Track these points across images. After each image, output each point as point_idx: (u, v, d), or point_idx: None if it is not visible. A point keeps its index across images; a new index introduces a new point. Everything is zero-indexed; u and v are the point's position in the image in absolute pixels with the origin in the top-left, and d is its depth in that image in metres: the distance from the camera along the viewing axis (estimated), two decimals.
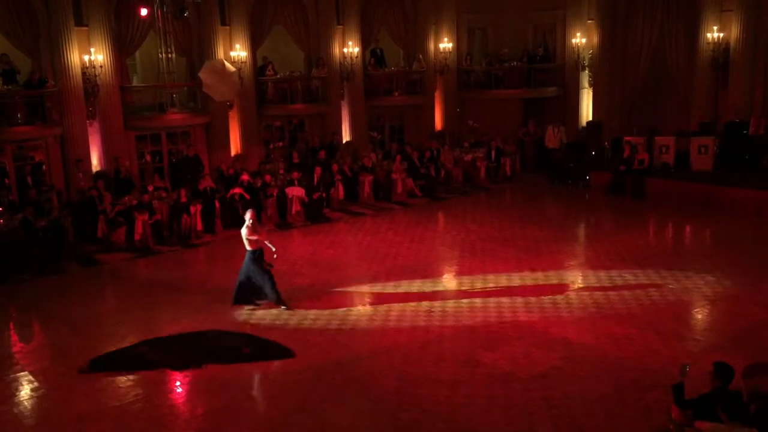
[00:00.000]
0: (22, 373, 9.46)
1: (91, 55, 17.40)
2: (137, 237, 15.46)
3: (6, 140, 16.59)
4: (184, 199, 16.12)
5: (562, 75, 24.09)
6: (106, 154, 17.98)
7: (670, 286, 11.91)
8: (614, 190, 19.31)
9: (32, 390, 9.00)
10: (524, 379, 8.70)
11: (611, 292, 11.72)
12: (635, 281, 12.24)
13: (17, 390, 9.02)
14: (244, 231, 11.25)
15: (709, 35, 20.96)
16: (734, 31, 20.75)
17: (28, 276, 13.75)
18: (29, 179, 16.76)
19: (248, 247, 11.28)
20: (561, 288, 12.06)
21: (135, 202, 15.81)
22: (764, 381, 6.48)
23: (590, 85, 23.95)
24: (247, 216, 11.31)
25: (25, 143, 17.26)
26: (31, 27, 16.96)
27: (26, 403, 8.70)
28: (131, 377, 9.16)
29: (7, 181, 16.72)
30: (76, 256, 14.99)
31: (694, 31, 21.42)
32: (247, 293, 11.54)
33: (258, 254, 11.31)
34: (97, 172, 17.64)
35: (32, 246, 14.17)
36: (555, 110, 23.91)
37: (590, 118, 23.69)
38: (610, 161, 20.74)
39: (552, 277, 12.63)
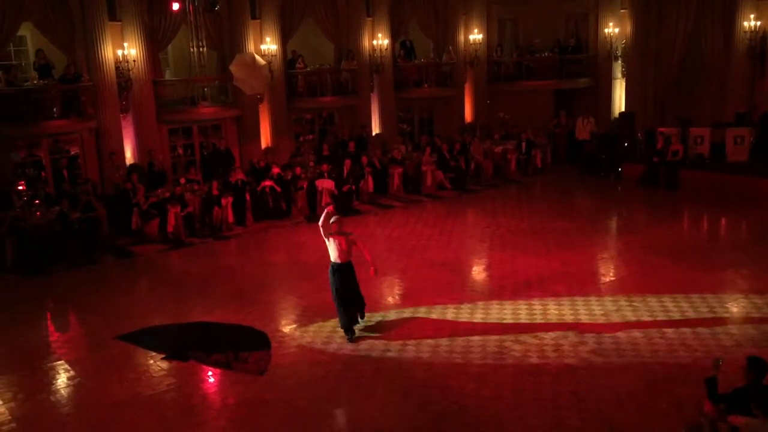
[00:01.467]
0: (59, 362, 9.68)
1: (124, 49, 17.65)
2: (170, 229, 15.68)
3: (42, 134, 16.93)
4: (215, 192, 16.30)
5: (594, 65, 23.85)
6: (140, 148, 18.25)
7: (704, 280, 11.72)
8: (647, 182, 19.04)
9: (68, 379, 9.21)
10: (553, 373, 8.66)
11: (643, 285, 11.58)
12: (668, 274, 12.07)
13: (54, 379, 9.24)
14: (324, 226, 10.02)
15: (745, 24, 20.53)
16: None
17: (64, 267, 14.04)
18: (65, 172, 17.11)
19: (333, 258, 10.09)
20: (592, 280, 11.99)
21: (168, 194, 16.03)
22: None
23: (623, 75, 23.67)
24: (333, 218, 10.15)
25: (60, 137, 17.60)
26: (66, 23, 17.25)
27: (63, 392, 8.90)
28: (164, 366, 9.31)
29: (43, 174, 17.09)
30: (111, 248, 15.26)
31: (729, 19, 20.99)
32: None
33: (336, 267, 10.16)
34: (130, 165, 17.92)
35: (68, 238, 14.47)
36: (587, 101, 23.68)
37: (623, 109, 23.40)
38: (643, 153, 20.46)
39: (583, 270, 12.52)
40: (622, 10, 23.19)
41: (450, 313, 10.75)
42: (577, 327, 9.97)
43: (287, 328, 10.62)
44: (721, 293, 11.16)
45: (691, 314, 10.30)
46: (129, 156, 18.23)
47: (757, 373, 6.64)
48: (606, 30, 23.17)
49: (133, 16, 17.81)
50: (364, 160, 19.07)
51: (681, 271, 12.17)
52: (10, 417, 8.22)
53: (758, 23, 20.40)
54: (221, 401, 8.49)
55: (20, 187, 16.23)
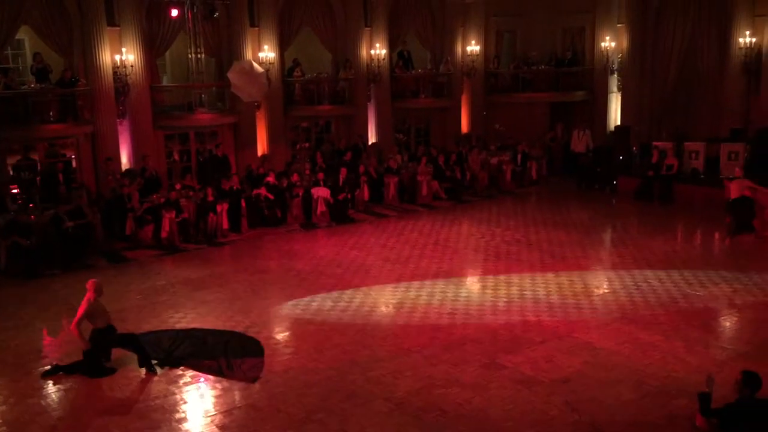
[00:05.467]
0: (50, 367, 9.60)
1: (122, 54, 17.66)
2: (164, 234, 15.65)
3: (38, 138, 16.91)
4: (211, 198, 16.28)
5: (590, 79, 24.00)
6: (136, 153, 18.23)
7: (697, 293, 11.77)
8: (642, 196, 19.13)
9: (60, 383, 9.14)
10: (546, 384, 8.65)
11: (637, 298, 11.61)
12: (661, 287, 12.09)
13: (45, 383, 9.16)
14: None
15: (741, 40, 20.71)
16: (767, 37, 20.45)
17: (57, 271, 13.98)
18: (60, 176, 17.07)
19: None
20: (585, 292, 12.01)
21: (163, 200, 16.00)
22: None
23: (619, 89, 23.79)
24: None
25: (56, 141, 17.57)
26: (65, 27, 17.28)
27: (54, 396, 8.83)
28: (157, 371, 9.26)
29: (38, 178, 17.04)
30: (105, 252, 15.21)
31: (725, 35, 21.17)
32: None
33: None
34: (126, 170, 17.90)
35: (61, 242, 14.41)
36: (583, 114, 23.81)
37: (618, 123, 23.51)
38: (638, 166, 20.54)
39: (577, 282, 12.55)
40: (618, 25, 23.34)
41: (444, 322, 10.74)
42: (570, 337, 9.98)
43: (280, 335, 10.59)
44: (714, 307, 11.20)
45: (682, 327, 10.32)
46: (125, 161, 18.22)
47: (751, 388, 6.66)
48: (602, 44, 23.31)
49: (131, 22, 17.83)
50: (360, 168, 19.09)
51: (673, 285, 12.20)
52: (0, 420, 8.16)
53: (753, 40, 20.58)
54: (213, 408, 8.44)
55: (14, 191, 16.20)
